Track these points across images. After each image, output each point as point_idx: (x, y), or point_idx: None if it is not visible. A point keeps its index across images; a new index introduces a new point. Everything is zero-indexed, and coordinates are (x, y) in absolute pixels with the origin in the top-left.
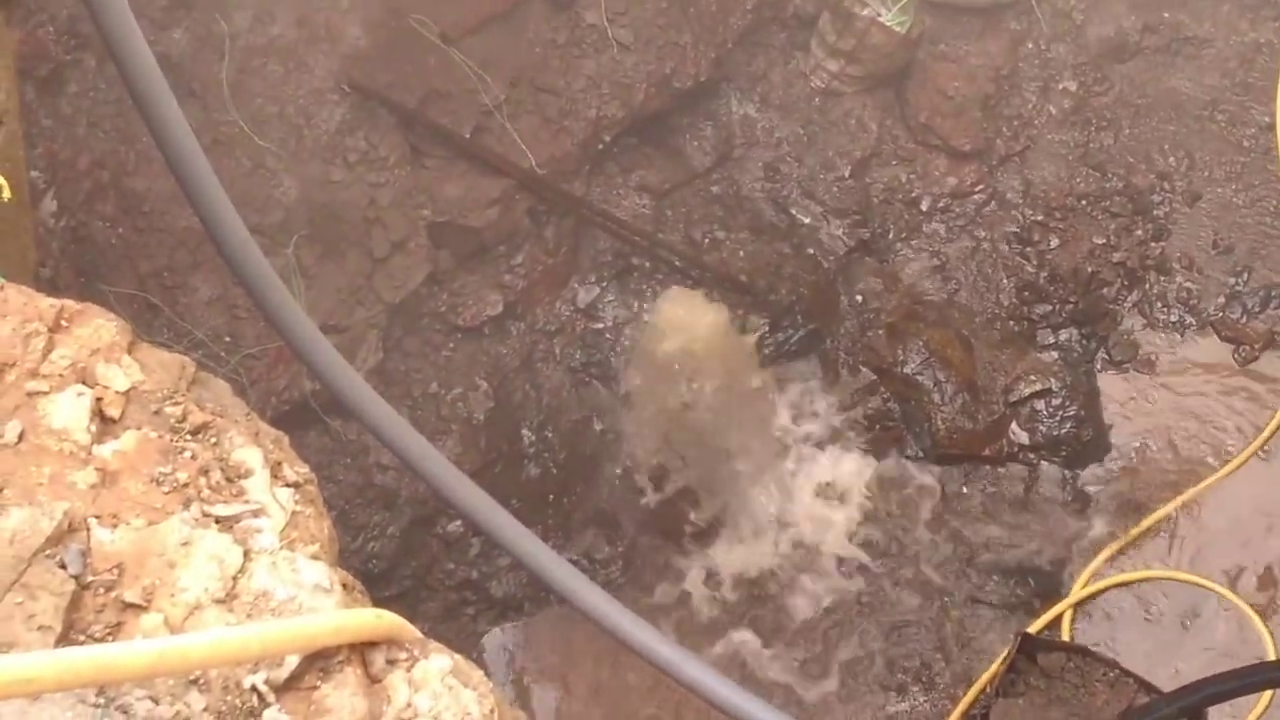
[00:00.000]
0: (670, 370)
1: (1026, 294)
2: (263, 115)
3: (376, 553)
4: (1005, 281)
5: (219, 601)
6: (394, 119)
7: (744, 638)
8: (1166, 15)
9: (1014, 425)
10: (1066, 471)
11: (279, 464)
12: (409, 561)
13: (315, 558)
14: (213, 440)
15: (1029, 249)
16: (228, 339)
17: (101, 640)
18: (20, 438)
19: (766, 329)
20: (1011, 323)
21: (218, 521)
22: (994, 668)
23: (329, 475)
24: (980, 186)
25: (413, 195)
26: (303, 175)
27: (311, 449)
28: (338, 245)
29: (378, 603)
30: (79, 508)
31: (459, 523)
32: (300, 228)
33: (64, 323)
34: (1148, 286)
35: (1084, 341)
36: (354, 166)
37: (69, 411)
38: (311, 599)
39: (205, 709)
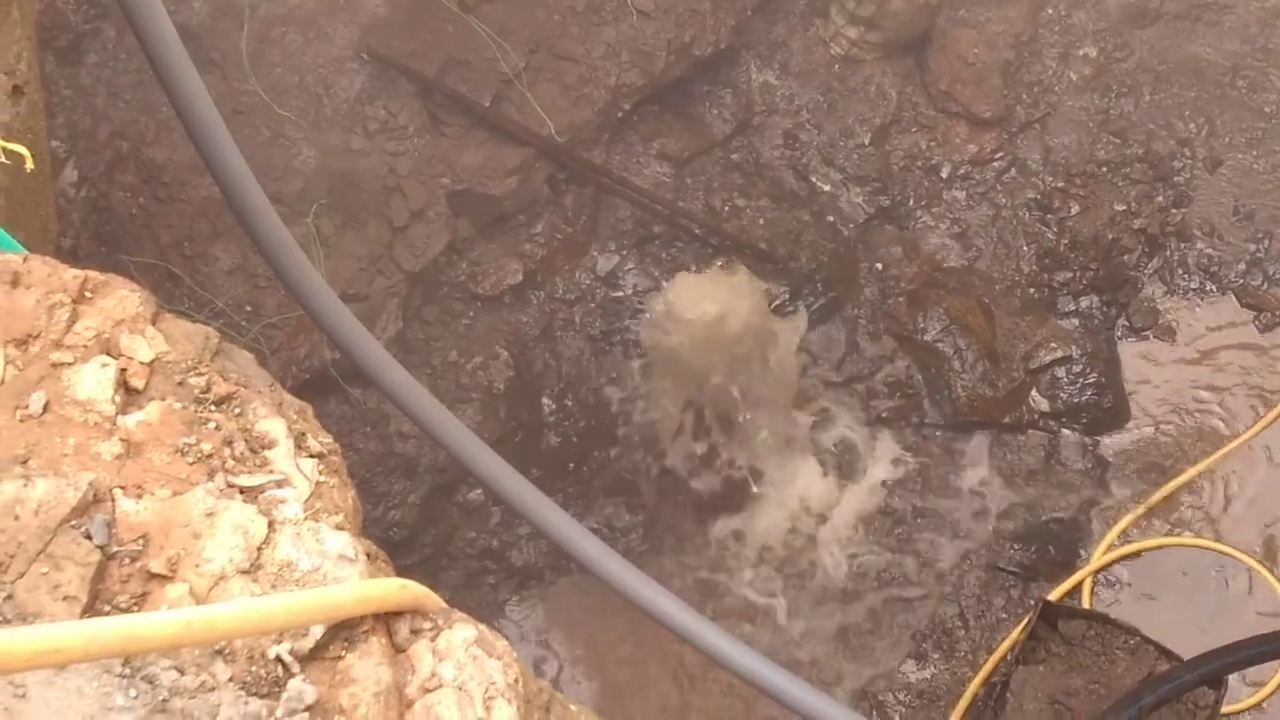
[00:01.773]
0: (691, 338)
1: (1047, 261)
2: (282, 85)
3: (397, 521)
4: (1025, 249)
5: (244, 572)
6: (413, 87)
7: (766, 604)
8: None
9: (1034, 392)
10: (1087, 439)
11: (303, 434)
12: (430, 530)
13: (339, 528)
14: (237, 411)
15: (1049, 216)
16: (248, 308)
17: (127, 610)
18: (45, 409)
19: (787, 297)
20: (1032, 290)
21: (242, 492)
22: (1014, 635)
23: (350, 444)
24: (1000, 153)
25: (432, 164)
26: (322, 144)
27: (332, 417)
28: (357, 214)
29: (399, 572)
30: (104, 478)
31: (479, 491)
32: (320, 196)
33: (88, 294)
34: (1168, 253)
35: (1104, 309)
36: (373, 135)
37: (93, 382)
38: (336, 569)
39: (230, 679)
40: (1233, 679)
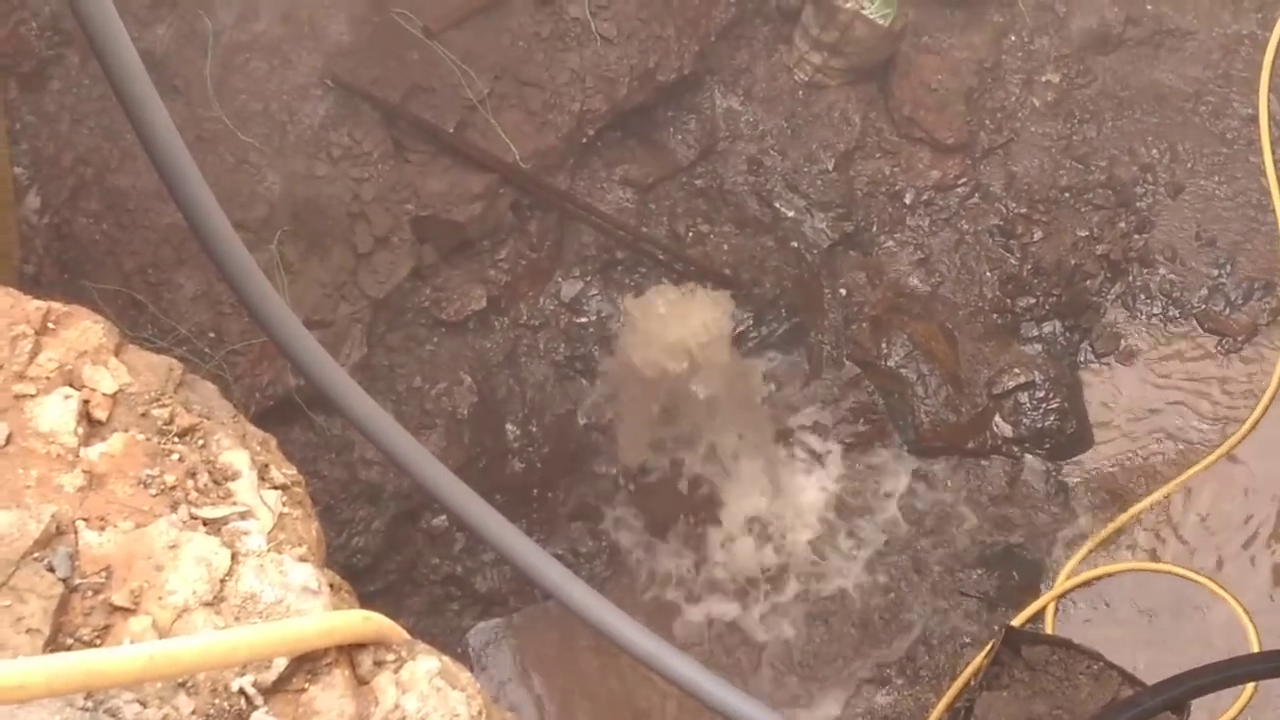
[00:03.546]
0: (655, 364)
1: (1010, 287)
2: (246, 111)
3: (361, 547)
4: (989, 274)
5: (207, 604)
6: (377, 114)
7: (727, 629)
8: (1149, 7)
9: (997, 418)
10: (1050, 464)
11: (266, 466)
12: (394, 556)
13: (303, 559)
14: (200, 442)
15: (1012, 242)
16: (212, 335)
17: (90, 643)
18: (8, 440)
19: (751, 322)
20: (995, 315)
21: (205, 524)
22: (978, 660)
23: (313, 470)
24: (963, 179)
25: (396, 190)
26: (286, 171)
27: (296, 444)
28: (321, 240)
29: (363, 599)
30: (66, 510)
31: (443, 517)
32: (284, 223)
33: (51, 325)
34: (1131, 279)
35: (1067, 334)
36: (338, 162)
37: (56, 414)
38: (299, 601)
39: (193, 712)
40: (1196, 704)
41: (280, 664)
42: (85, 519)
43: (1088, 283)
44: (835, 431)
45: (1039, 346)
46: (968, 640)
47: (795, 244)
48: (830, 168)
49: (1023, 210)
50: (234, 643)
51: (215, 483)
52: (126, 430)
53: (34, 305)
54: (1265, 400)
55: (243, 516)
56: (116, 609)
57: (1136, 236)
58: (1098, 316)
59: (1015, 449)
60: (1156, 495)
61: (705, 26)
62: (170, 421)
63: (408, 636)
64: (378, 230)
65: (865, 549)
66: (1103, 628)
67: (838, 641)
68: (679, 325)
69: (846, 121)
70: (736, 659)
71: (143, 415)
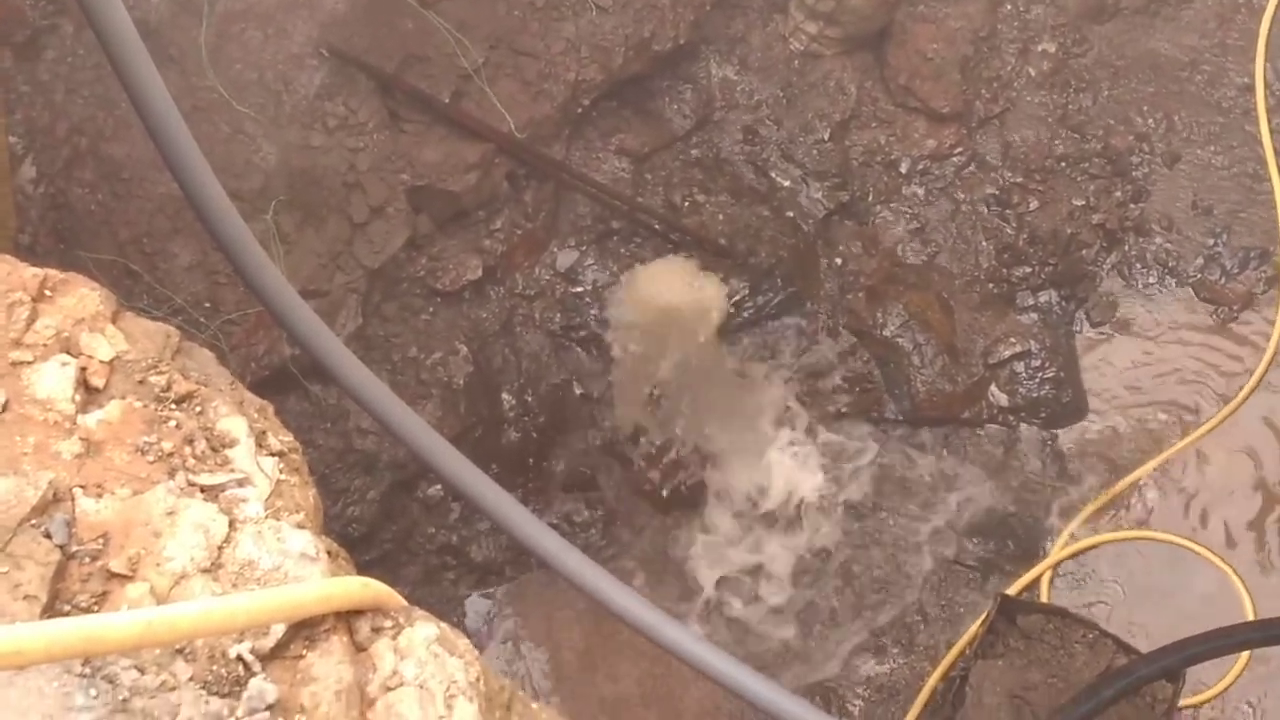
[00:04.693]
0: (651, 334)
1: (1006, 256)
2: (242, 81)
3: (357, 517)
4: (985, 244)
5: (204, 571)
6: (372, 84)
7: (724, 598)
8: None
9: (993, 387)
10: (1045, 433)
11: (264, 433)
12: (389, 526)
13: (300, 526)
14: (197, 409)
15: (1008, 211)
16: (207, 304)
17: (87, 609)
18: (4, 407)
19: (746, 292)
20: (991, 285)
21: (203, 491)
22: (973, 629)
23: (309, 440)
24: (959, 149)
25: (391, 160)
26: (282, 140)
27: (292, 414)
28: (317, 210)
29: (361, 569)
30: (64, 477)
31: (439, 487)
32: (279, 193)
33: (48, 292)
34: (1127, 248)
35: (1063, 303)
36: (333, 132)
37: (53, 381)
38: (297, 567)
39: (191, 678)
40: (1190, 671)
41: (278, 630)
42: (82, 486)
43: (1084, 252)
44: (831, 400)
45: (1035, 316)
46: (963, 609)
47: (791, 214)
48: (826, 137)
49: (1019, 179)
50: (232, 609)
51: (213, 449)
52: (124, 397)
53: (31, 272)
54: (1261, 368)
55: (240, 483)
56: (114, 575)
57: (1132, 206)
58: (1094, 286)
59: (1011, 418)
60: (1152, 464)
61: None
62: (167, 388)
63: (405, 603)
64: (373, 200)
65: (860, 519)
66: (1098, 596)
67: (832, 611)
68: (674, 294)
69: (842, 91)
70: (730, 626)
71: (140, 382)
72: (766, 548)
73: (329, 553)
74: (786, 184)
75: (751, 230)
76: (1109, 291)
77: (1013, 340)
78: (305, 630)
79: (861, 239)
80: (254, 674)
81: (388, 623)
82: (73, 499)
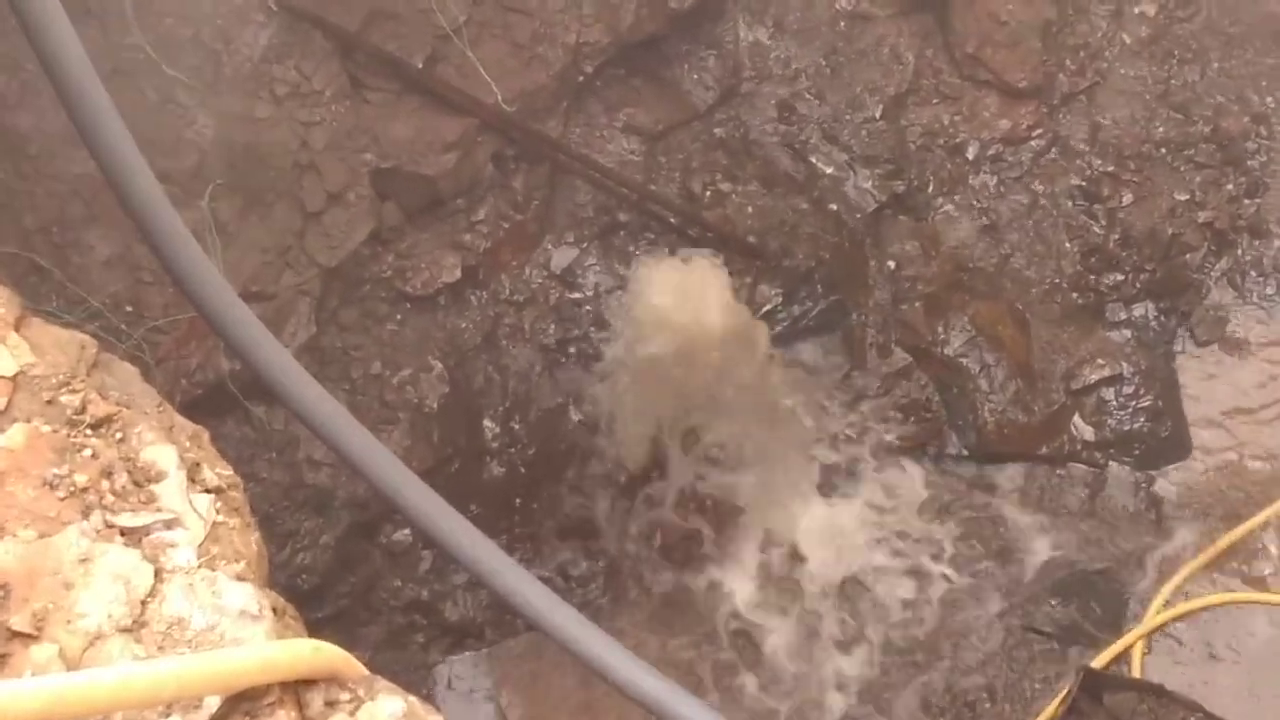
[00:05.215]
0: (662, 350)
1: (1093, 260)
2: (173, 39)
3: (307, 565)
4: (1068, 245)
5: (125, 630)
6: (330, 44)
7: (748, 678)
8: None
9: (1077, 418)
10: (1139, 474)
11: (197, 465)
12: (346, 577)
13: (240, 578)
14: (118, 436)
15: (1097, 206)
16: (130, 308)
17: None
18: None
19: (780, 300)
20: (1075, 295)
21: (123, 534)
22: (1050, 709)
23: (251, 473)
24: (1038, 130)
25: (353, 136)
26: (221, 111)
27: (230, 441)
28: (263, 196)
29: (312, 629)
30: None
31: (407, 531)
32: (218, 174)
33: None
34: (1239, 252)
35: (1162, 318)
36: (283, 101)
37: None
38: (236, 627)
39: None
40: None
41: (212, 704)
42: None
43: (1187, 256)
44: (881, 432)
45: (1128, 333)
46: (1039, 686)
47: (834, 206)
48: (877, 115)
49: (1110, 168)
50: (157, 677)
51: (136, 484)
52: (29, 420)
53: None
54: None
55: (168, 525)
56: (16, 635)
57: (1247, 201)
58: (1199, 297)
59: (1098, 455)
60: (1266, 513)
61: None
62: (82, 410)
63: (365, 672)
64: (330, 185)
65: (916, 576)
66: (1202, 671)
67: (878, 685)
68: (691, 303)
69: (897, 59)
70: (760, 704)
71: (49, 403)
72: (799, 606)
73: (274, 609)
74: (829, 171)
75: (786, 226)
76: (1217, 304)
77: (1100, 362)
78: (245, 703)
79: (919, 238)
80: None
81: (344, 695)
82: None
